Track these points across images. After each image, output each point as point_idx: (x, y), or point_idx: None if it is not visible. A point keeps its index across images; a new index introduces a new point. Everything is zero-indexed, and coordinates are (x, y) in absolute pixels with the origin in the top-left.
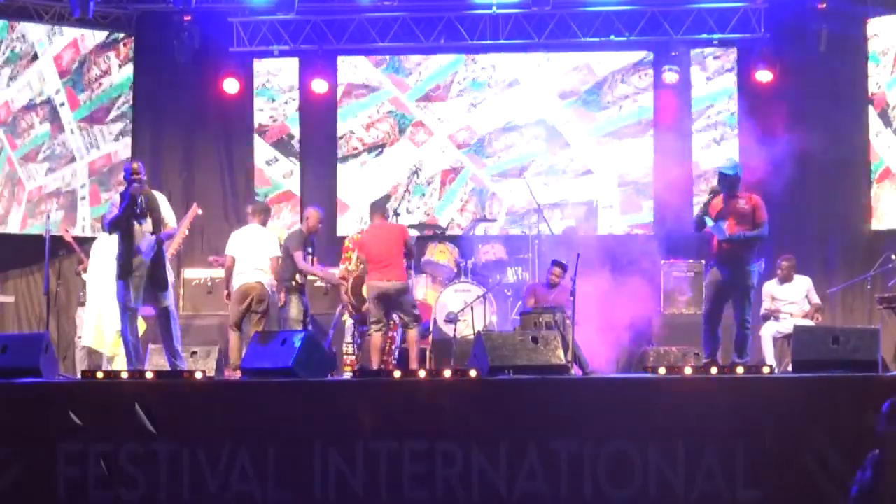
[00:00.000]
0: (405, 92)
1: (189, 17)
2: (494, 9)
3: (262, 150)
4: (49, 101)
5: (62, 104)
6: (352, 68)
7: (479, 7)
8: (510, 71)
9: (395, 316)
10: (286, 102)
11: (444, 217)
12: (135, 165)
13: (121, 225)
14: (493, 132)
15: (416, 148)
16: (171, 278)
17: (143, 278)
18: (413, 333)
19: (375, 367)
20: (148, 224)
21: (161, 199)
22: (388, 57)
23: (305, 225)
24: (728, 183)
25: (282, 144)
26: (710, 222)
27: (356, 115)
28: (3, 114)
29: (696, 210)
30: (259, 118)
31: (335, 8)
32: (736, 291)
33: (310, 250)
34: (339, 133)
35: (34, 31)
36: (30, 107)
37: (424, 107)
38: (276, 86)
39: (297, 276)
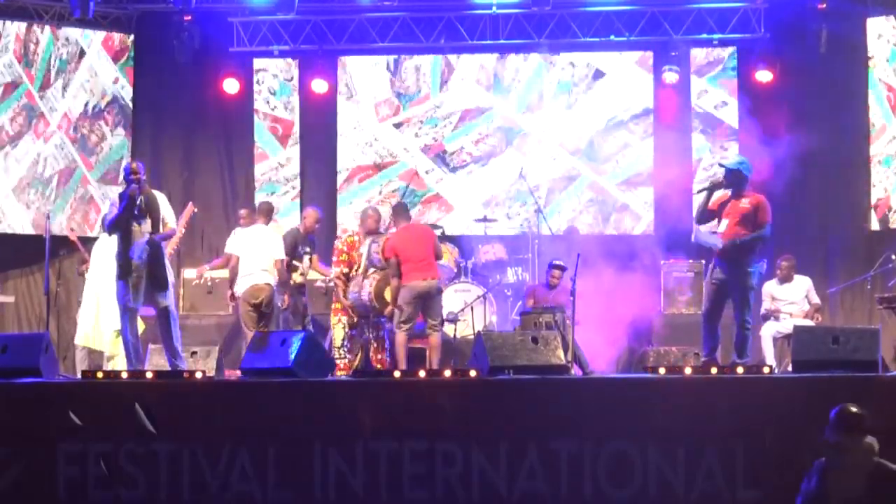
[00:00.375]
0: (511, 107)
1: (189, 17)
2: (494, 9)
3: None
4: (115, 100)
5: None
6: (468, 96)
7: (479, 7)
8: (589, 63)
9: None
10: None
11: (551, 225)
12: (134, 165)
13: (120, 225)
14: (596, 134)
15: (522, 157)
16: (170, 278)
17: (143, 278)
18: (436, 338)
19: (403, 365)
20: (147, 224)
21: (161, 199)
22: (493, 79)
23: (303, 225)
24: (732, 179)
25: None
26: (696, 234)
27: (468, 133)
28: (64, 126)
29: (697, 203)
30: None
31: (335, 8)
32: (736, 292)
33: (308, 249)
34: (451, 150)
35: (75, 28)
36: (95, 114)
37: (529, 118)
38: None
39: (297, 277)
